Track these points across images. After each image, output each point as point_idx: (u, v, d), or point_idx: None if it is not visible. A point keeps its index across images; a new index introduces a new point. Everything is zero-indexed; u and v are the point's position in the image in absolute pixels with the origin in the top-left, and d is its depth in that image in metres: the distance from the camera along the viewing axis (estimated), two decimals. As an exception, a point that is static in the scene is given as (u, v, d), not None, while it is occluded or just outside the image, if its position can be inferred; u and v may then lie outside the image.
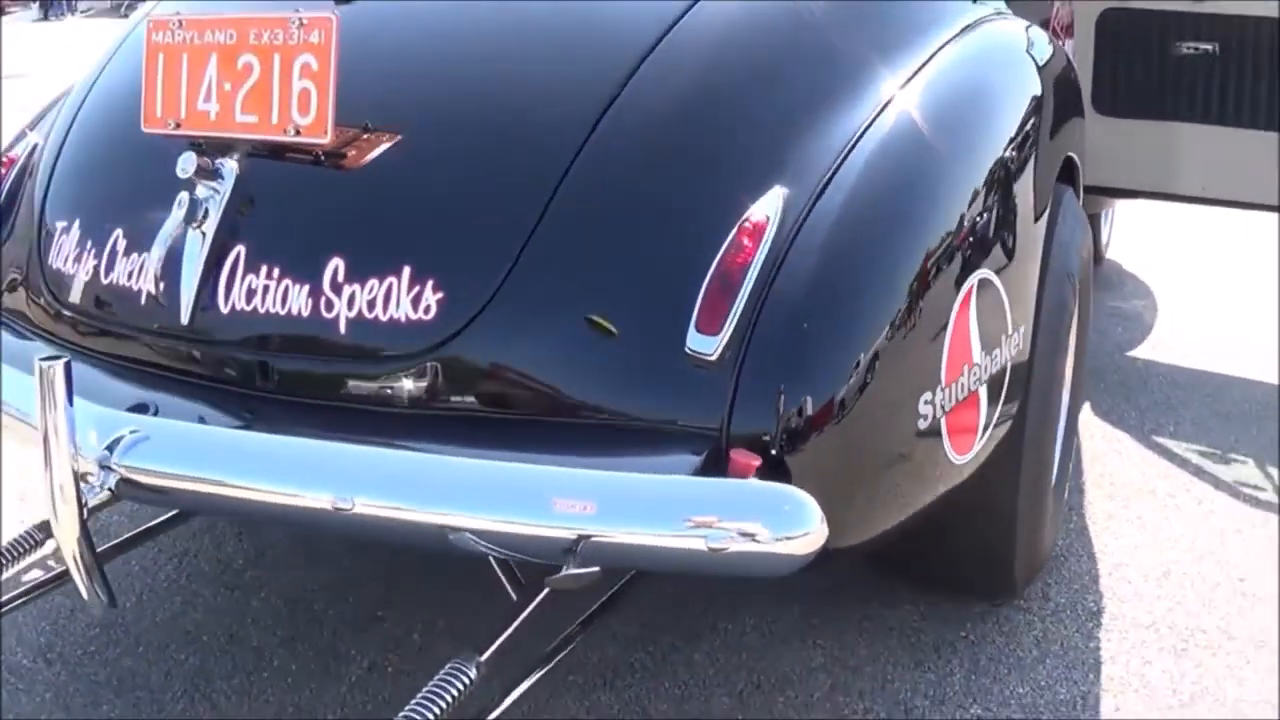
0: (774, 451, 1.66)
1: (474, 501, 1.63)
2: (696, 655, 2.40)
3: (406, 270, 1.80)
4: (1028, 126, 2.25)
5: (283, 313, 1.86)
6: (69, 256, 2.14)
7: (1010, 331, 2.06)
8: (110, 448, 1.75)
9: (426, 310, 1.78)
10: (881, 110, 1.96)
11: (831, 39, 2.08)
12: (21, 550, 2.26)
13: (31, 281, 2.23)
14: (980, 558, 2.37)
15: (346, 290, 1.82)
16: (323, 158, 1.91)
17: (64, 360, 1.69)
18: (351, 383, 1.84)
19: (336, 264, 1.84)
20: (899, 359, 1.81)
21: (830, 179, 1.83)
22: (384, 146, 1.91)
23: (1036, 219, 2.23)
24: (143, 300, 1.99)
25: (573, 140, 1.85)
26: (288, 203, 1.94)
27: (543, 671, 1.92)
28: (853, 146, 1.88)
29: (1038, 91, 2.36)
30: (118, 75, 2.38)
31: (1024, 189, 2.18)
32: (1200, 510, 2.95)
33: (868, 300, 1.79)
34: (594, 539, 1.59)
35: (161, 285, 1.97)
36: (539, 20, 2.08)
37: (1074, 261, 2.45)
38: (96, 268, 2.08)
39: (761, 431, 1.67)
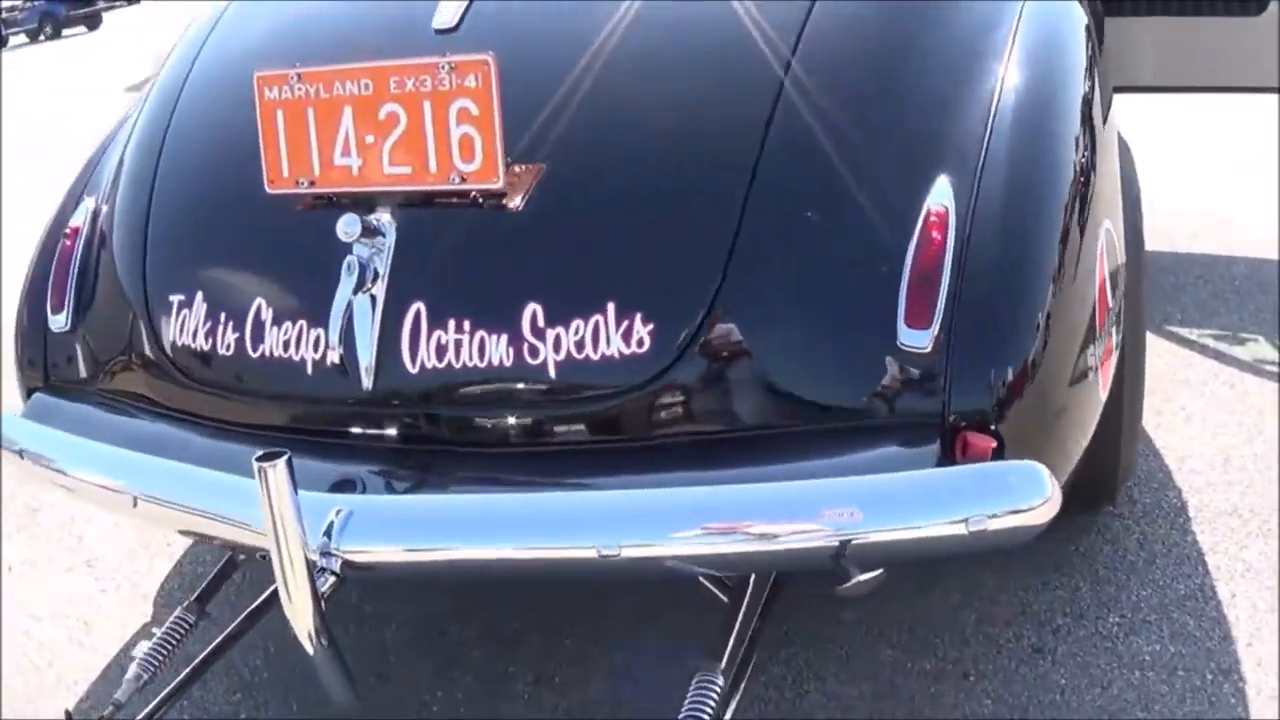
0: (993, 428, 1.75)
1: (743, 525, 1.67)
2: (845, 614, 2.49)
3: (611, 306, 1.79)
4: (1092, 62, 2.35)
5: (482, 365, 1.83)
6: (197, 331, 2.04)
7: (1121, 269, 2.19)
8: (328, 532, 1.71)
9: (640, 343, 1.78)
10: (1001, 84, 2.03)
11: (936, 20, 2.12)
12: (177, 638, 2.19)
13: (147, 360, 2.13)
14: (1091, 473, 2.54)
15: (550, 334, 1.81)
16: (482, 201, 1.87)
17: (285, 456, 1.64)
18: (567, 425, 1.83)
19: (534, 309, 1.81)
20: (1072, 321, 1.91)
21: (984, 160, 1.89)
22: (551, 181, 1.87)
23: (1113, 155, 2.35)
24: (309, 370, 1.93)
25: (747, 151, 1.85)
26: (461, 252, 1.89)
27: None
28: (991, 125, 1.94)
29: (1087, 21, 2.45)
30: (187, 133, 2.25)
31: (1104, 127, 2.29)
32: (1234, 393, 3.19)
33: (1044, 271, 1.87)
34: (860, 542, 1.65)
35: (331, 352, 1.90)
36: (674, 34, 2.05)
37: (1136, 189, 2.58)
38: (240, 341, 1.99)
39: (979, 412, 1.75)
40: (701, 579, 1.97)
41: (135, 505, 1.94)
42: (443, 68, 1.80)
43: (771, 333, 1.80)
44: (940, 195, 1.83)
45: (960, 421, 1.75)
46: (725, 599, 1.96)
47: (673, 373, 1.79)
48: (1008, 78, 2.04)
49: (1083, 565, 2.58)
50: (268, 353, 1.96)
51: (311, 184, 1.93)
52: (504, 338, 1.82)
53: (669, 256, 1.83)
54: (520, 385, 1.83)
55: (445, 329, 1.85)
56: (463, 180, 1.83)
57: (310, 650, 1.74)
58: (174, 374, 2.08)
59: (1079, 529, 2.68)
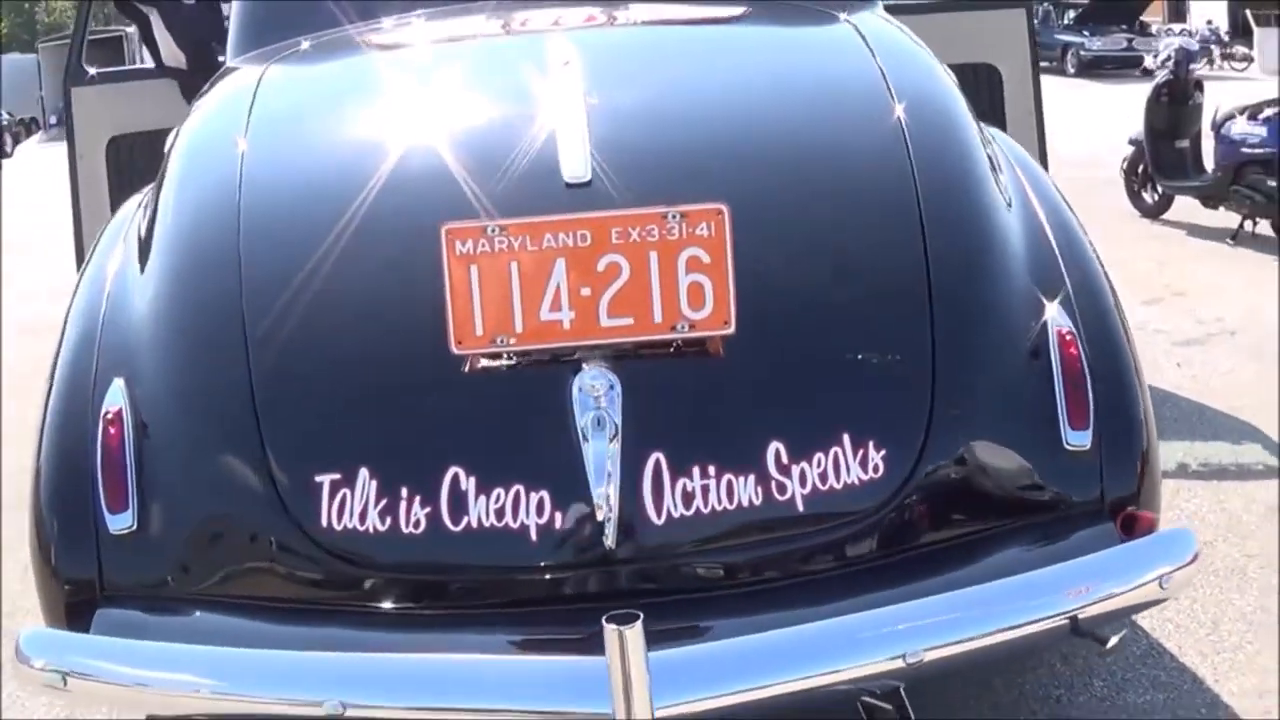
0: (1140, 502, 2.07)
1: (1011, 615, 1.82)
2: None
3: (845, 436, 1.89)
4: None
5: (731, 507, 1.83)
6: (366, 512, 1.83)
7: None
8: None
9: (875, 469, 1.89)
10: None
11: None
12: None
13: (283, 553, 1.86)
14: None
15: (795, 469, 1.86)
16: (699, 347, 1.90)
17: (640, 618, 1.56)
18: (814, 554, 1.89)
19: (777, 447, 1.86)
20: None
21: (1071, 286, 2.20)
22: (760, 322, 1.94)
23: None
24: (533, 537, 1.81)
25: (918, 282, 2.05)
26: (692, 397, 1.89)
27: None
28: (1064, 258, 2.27)
29: None
30: (276, 287, 2.03)
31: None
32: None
33: (1131, 366, 2.19)
34: (1087, 614, 1.87)
35: (560, 514, 1.81)
36: (805, 175, 2.23)
37: None
38: (434, 516, 1.82)
39: (1133, 494, 2.06)
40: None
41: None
42: (671, 217, 1.84)
43: (973, 445, 1.99)
44: (1060, 318, 2.12)
45: (1114, 503, 2.04)
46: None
47: (906, 492, 1.91)
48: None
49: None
50: (475, 524, 1.81)
51: (514, 340, 1.85)
52: (751, 478, 1.85)
53: (885, 383, 1.98)
54: (771, 522, 1.86)
55: (690, 475, 1.84)
56: (691, 328, 1.85)
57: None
58: (333, 565, 1.84)
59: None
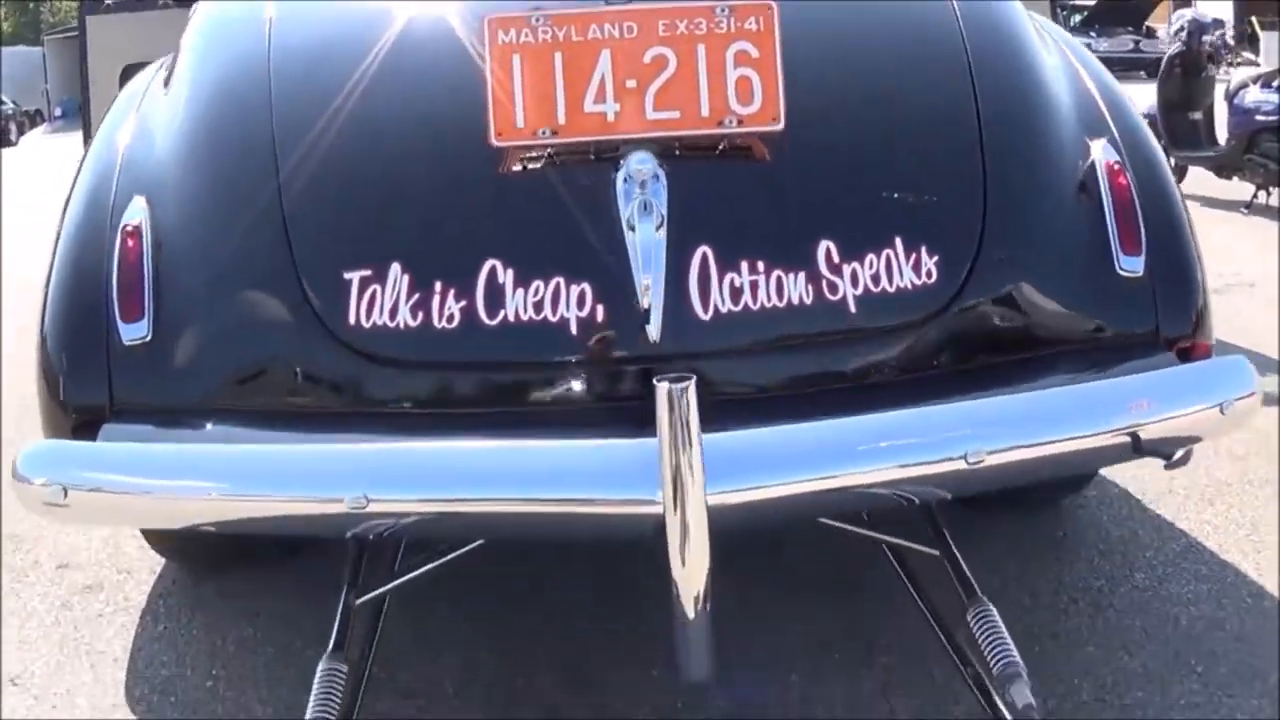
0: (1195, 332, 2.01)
1: (1075, 424, 1.76)
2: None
3: (898, 240, 1.83)
4: None
5: (781, 305, 1.77)
6: (397, 308, 1.76)
7: None
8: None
9: (929, 274, 1.83)
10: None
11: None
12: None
13: (310, 354, 1.79)
14: None
15: (846, 270, 1.80)
16: (748, 144, 1.84)
17: (692, 379, 1.49)
18: (866, 359, 1.82)
19: (827, 246, 1.80)
20: None
21: (1116, 121, 2.16)
22: (808, 125, 1.88)
23: None
24: (574, 330, 1.74)
25: (967, 100, 2.01)
26: (739, 194, 1.83)
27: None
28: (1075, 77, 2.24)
29: None
30: (306, 100, 1.96)
31: None
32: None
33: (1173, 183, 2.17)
34: (1148, 433, 1.81)
35: (603, 306, 1.74)
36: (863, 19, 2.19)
37: None
38: (469, 310, 1.75)
39: (1183, 319, 2.01)
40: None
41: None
42: (720, 10, 1.78)
43: (1026, 261, 1.93)
44: (1109, 152, 2.07)
45: (1175, 332, 1.97)
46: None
47: (960, 301, 1.85)
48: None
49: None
50: (512, 317, 1.75)
51: (555, 133, 1.78)
52: (801, 276, 1.78)
53: (936, 195, 1.91)
54: (822, 322, 1.79)
55: (738, 270, 1.77)
56: (739, 123, 1.79)
57: (690, 614, 1.54)
58: (360, 365, 1.77)
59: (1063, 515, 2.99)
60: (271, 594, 2.71)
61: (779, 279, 1.78)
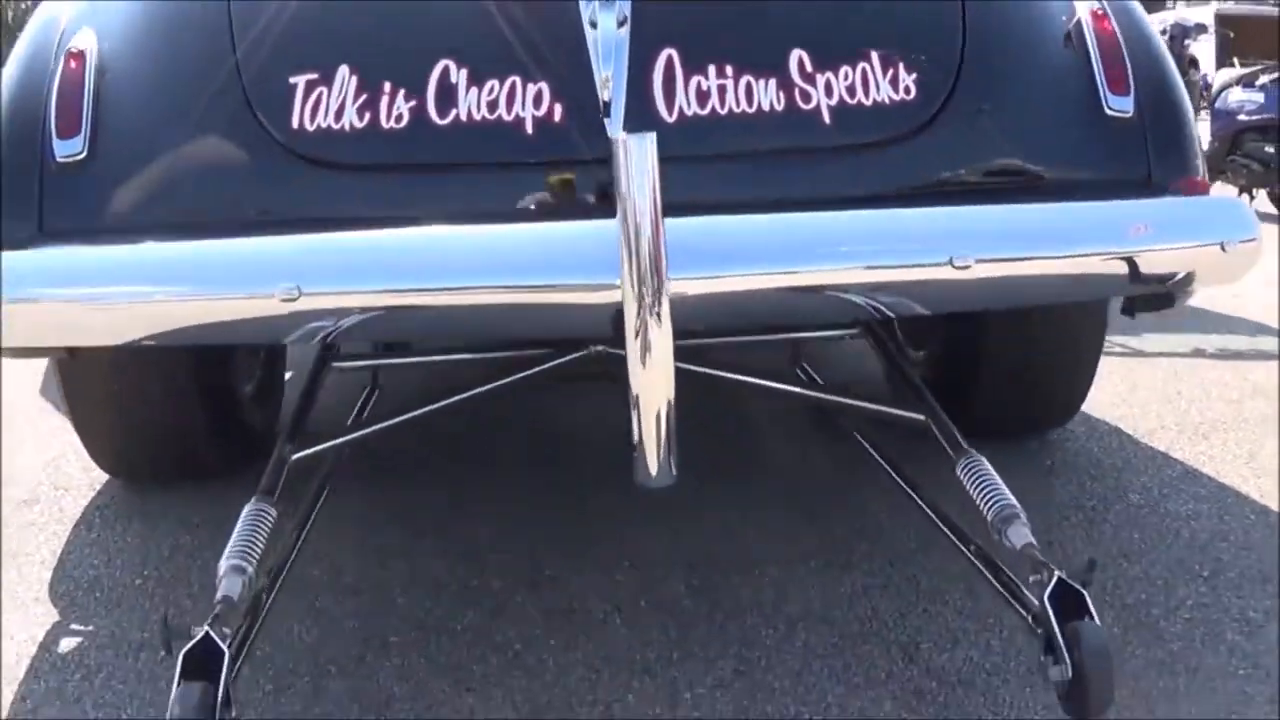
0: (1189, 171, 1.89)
1: (1070, 239, 1.63)
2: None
3: (874, 54, 1.70)
4: None
5: (750, 110, 1.64)
6: (343, 110, 1.63)
7: None
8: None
9: (906, 90, 1.70)
10: None
11: None
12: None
13: (254, 159, 1.65)
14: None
15: (820, 79, 1.67)
16: None
17: (653, 134, 1.36)
18: (839, 173, 1.68)
19: (799, 55, 1.67)
20: None
21: None
22: None
23: None
24: (529, 130, 1.61)
25: None
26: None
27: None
28: None
29: None
30: None
31: None
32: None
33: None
34: (1146, 261, 1.68)
35: (560, 106, 1.61)
36: None
37: None
38: (419, 110, 1.62)
39: (1176, 159, 1.87)
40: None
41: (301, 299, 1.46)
42: None
43: (1009, 89, 1.81)
44: None
45: (1168, 173, 1.85)
46: None
47: (940, 123, 1.72)
48: None
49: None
50: (465, 117, 1.61)
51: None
52: (772, 83, 1.65)
53: (916, 8, 1.79)
54: (794, 131, 1.66)
55: (705, 74, 1.64)
56: (709, -78, 1.67)
57: (650, 419, 1.39)
58: (304, 170, 1.63)
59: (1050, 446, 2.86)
60: (213, 505, 2.54)
61: (748, 85, 1.65)
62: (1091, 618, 1.47)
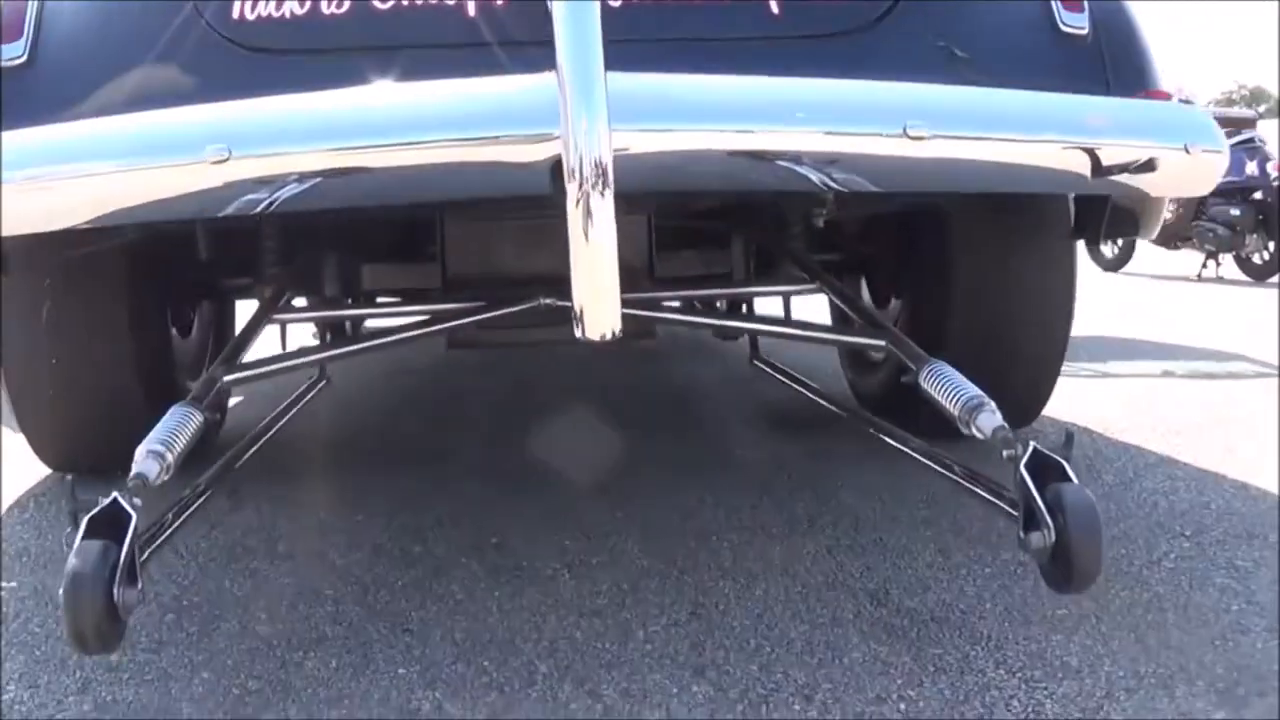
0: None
1: (1030, 123, 1.57)
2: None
3: None
4: None
5: (699, -1, 1.58)
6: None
7: None
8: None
9: None
10: None
11: None
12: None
13: (198, 53, 1.60)
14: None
15: (772, -32, 1.62)
16: None
17: None
18: (785, 69, 1.62)
19: None
20: None
21: None
22: None
23: None
24: (471, 12, 1.55)
25: None
26: None
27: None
28: None
29: None
30: None
31: None
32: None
33: None
34: (1109, 154, 1.63)
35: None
36: None
37: None
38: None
39: (1137, 74, 1.85)
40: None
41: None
42: None
43: (960, 9, 1.78)
44: None
45: (1128, 87, 1.82)
46: None
47: (889, 21, 1.68)
48: None
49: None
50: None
51: None
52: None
53: None
54: (742, 24, 1.61)
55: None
56: None
57: (593, 270, 1.30)
58: (245, 59, 1.57)
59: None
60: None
61: None
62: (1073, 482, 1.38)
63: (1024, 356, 2.49)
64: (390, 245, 2.54)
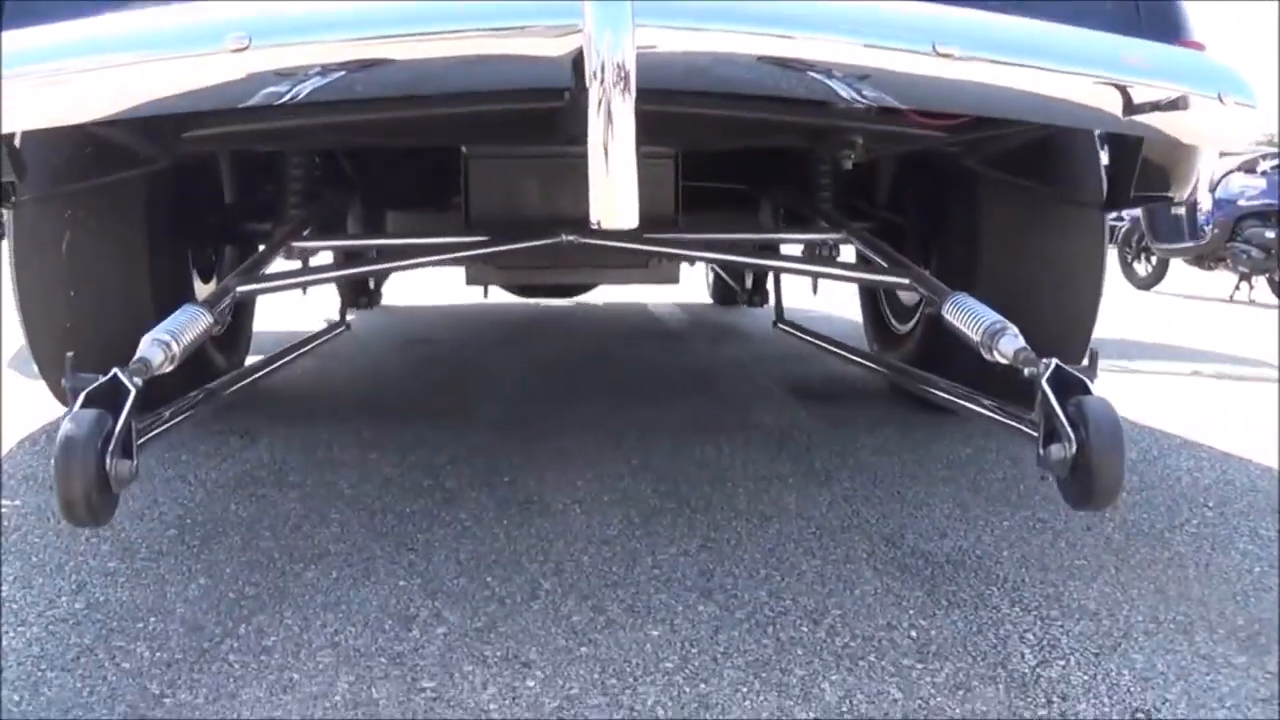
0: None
1: (1064, 52, 1.54)
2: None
3: None
4: None
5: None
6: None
7: None
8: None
9: None
10: None
11: None
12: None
13: None
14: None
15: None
16: None
17: None
18: None
19: None
20: None
21: None
22: None
23: None
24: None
25: None
26: None
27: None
28: None
29: None
30: None
31: None
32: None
33: None
34: (1139, 91, 1.59)
35: None
36: None
37: None
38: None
39: (1176, 29, 1.79)
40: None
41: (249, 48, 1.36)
42: None
43: None
44: None
45: (1161, 33, 1.77)
46: None
47: None
48: None
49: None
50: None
51: None
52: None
53: None
54: None
55: None
56: None
57: (605, 169, 1.28)
58: None
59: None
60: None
61: None
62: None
63: (1053, 328, 2.44)
64: (414, 191, 2.52)
